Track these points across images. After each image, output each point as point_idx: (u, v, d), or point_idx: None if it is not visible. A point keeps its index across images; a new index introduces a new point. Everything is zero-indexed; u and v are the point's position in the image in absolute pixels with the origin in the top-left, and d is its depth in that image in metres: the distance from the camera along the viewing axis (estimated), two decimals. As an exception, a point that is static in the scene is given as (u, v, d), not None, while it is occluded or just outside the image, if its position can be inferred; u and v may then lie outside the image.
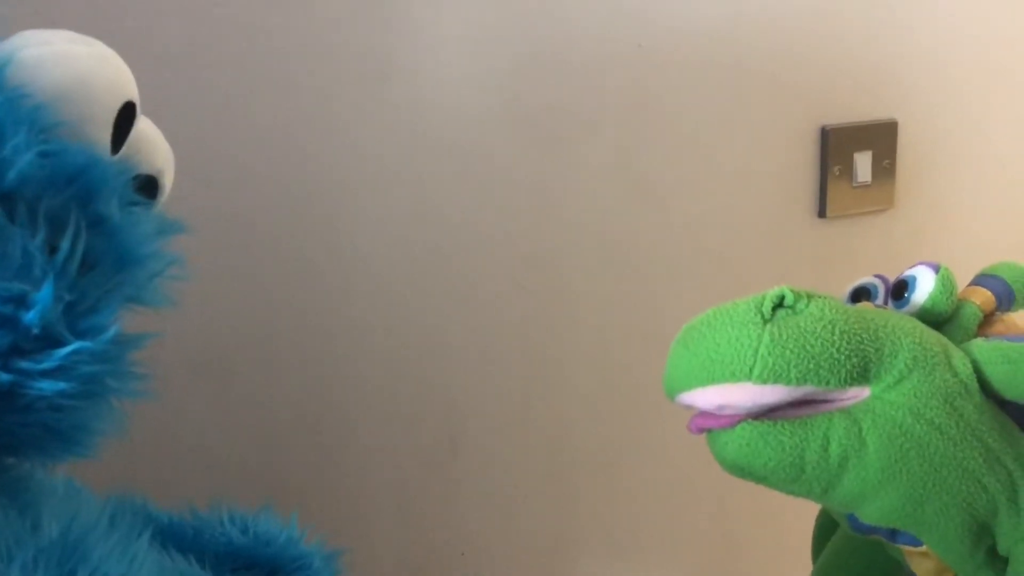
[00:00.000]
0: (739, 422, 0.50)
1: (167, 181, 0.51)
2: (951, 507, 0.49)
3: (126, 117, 0.46)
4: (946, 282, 0.55)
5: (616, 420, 1.00)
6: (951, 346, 0.52)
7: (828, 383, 0.48)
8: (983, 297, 0.57)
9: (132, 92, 0.47)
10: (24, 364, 0.40)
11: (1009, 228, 1.14)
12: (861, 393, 0.50)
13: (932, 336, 0.52)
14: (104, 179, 0.43)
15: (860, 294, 0.60)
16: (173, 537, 0.59)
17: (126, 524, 0.50)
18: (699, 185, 0.99)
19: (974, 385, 0.50)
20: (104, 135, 0.45)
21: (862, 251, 1.08)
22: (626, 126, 0.95)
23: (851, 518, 0.53)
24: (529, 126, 0.91)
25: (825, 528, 0.68)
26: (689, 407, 0.52)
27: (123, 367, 0.44)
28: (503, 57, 0.89)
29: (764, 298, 0.50)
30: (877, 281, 0.59)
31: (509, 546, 1.00)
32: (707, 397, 0.50)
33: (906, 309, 0.55)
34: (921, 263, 0.57)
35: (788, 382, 0.48)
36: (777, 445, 0.49)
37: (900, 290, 0.56)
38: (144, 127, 0.49)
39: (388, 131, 0.86)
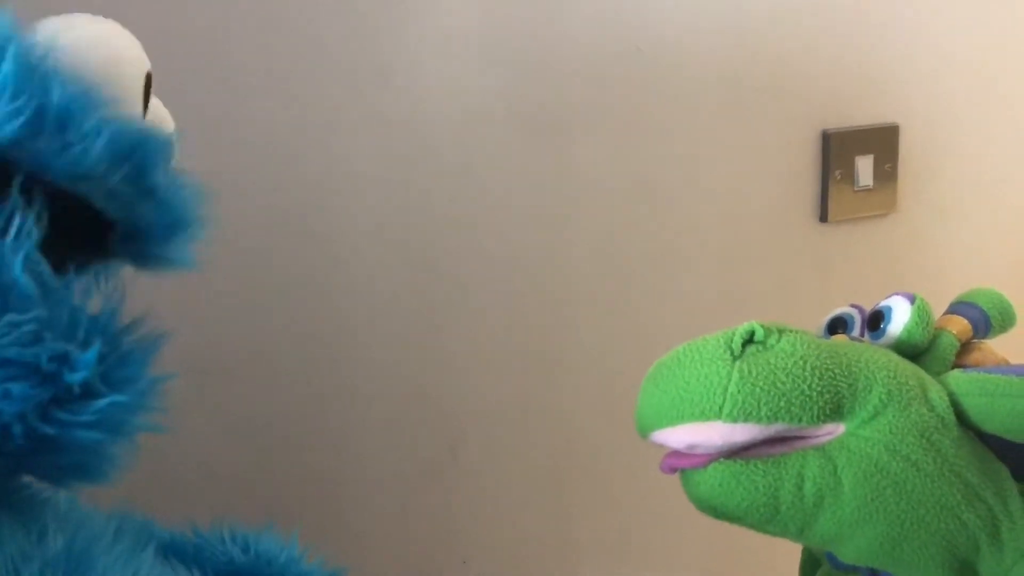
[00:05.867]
0: (711, 461, 0.49)
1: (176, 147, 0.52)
2: (930, 545, 0.48)
3: (147, 88, 0.48)
4: (922, 313, 0.54)
5: (617, 424, 0.99)
6: (927, 379, 0.51)
7: (801, 420, 0.48)
8: (959, 326, 0.56)
9: (148, 62, 0.48)
10: (63, 416, 0.40)
11: (1011, 232, 1.13)
12: (836, 430, 0.49)
13: (908, 369, 0.51)
14: (156, 150, 0.44)
15: (836, 324, 0.58)
16: (175, 553, 0.59)
17: (131, 536, 0.50)
18: (700, 190, 0.98)
19: (951, 419, 0.49)
20: (137, 109, 0.46)
21: (864, 255, 1.07)
22: (625, 131, 0.94)
23: (830, 556, 0.52)
24: (528, 131, 0.91)
25: (811, 561, 0.68)
26: (661, 446, 0.52)
27: (149, 406, 0.45)
28: (501, 61, 0.89)
29: (734, 334, 0.49)
30: (853, 311, 0.58)
31: (511, 553, 1.00)
32: (677, 436, 0.49)
33: (882, 341, 0.55)
34: (897, 293, 0.56)
35: (759, 420, 0.47)
36: (750, 485, 0.48)
37: (876, 321, 0.56)
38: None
39: (386, 135, 0.86)
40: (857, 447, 0.48)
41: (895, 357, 0.52)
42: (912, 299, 0.55)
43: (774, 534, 0.51)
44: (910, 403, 0.49)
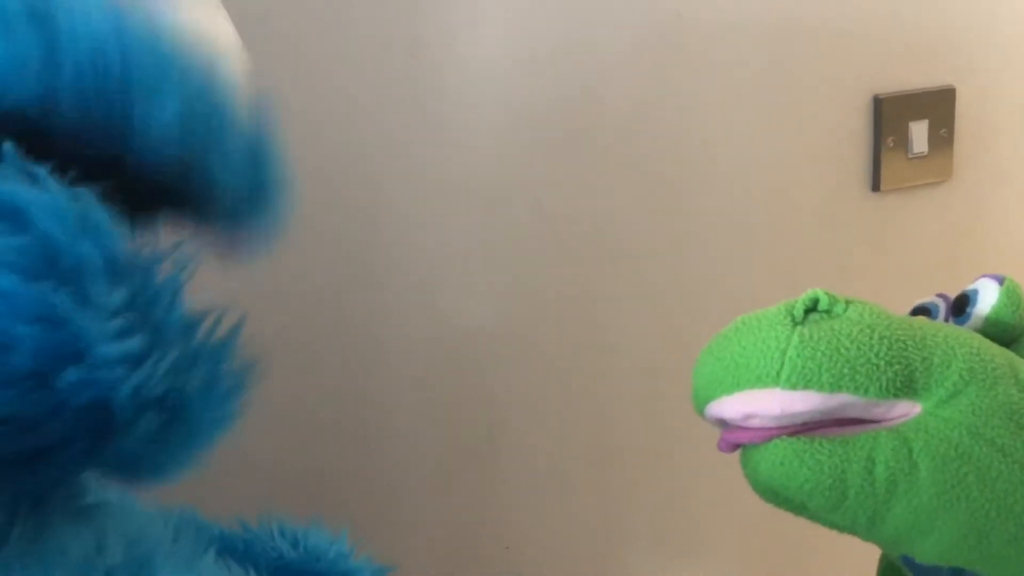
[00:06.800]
0: (771, 438, 0.45)
1: None
2: (1021, 539, 0.44)
3: None
4: (1011, 293, 0.50)
5: (660, 408, 0.97)
6: (1018, 359, 0.47)
7: (867, 391, 0.44)
8: None
9: None
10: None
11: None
12: (911, 410, 0.44)
13: (994, 348, 0.47)
14: None
15: (919, 314, 0.54)
16: (227, 550, 0.59)
17: (190, 540, 0.50)
18: (744, 161, 0.95)
19: None
20: None
21: (919, 226, 1.03)
22: (665, 100, 0.91)
23: (907, 560, 0.48)
24: (562, 101, 0.88)
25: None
26: (717, 421, 0.48)
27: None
28: (534, 31, 0.85)
29: (796, 302, 0.46)
30: (938, 300, 0.53)
31: (555, 539, 0.98)
32: (733, 406, 0.46)
33: (968, 324, 0.51)
34: (984, 276, 0.52)
35: (820, 388, 0.43)
36: (815, 464, 0.44)
37: (961, 305, 0.51)
38: None
39: (418, 114, 0.84)
40: (936, 428, 0.44)
41: (981, 337, 0.48)
42: (1001, 280, 0.51)
43: (842, 527, 0.47)
44: (997, 382, 0.45)
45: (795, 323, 0.45)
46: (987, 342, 0.47)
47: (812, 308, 0.46)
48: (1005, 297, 0.50)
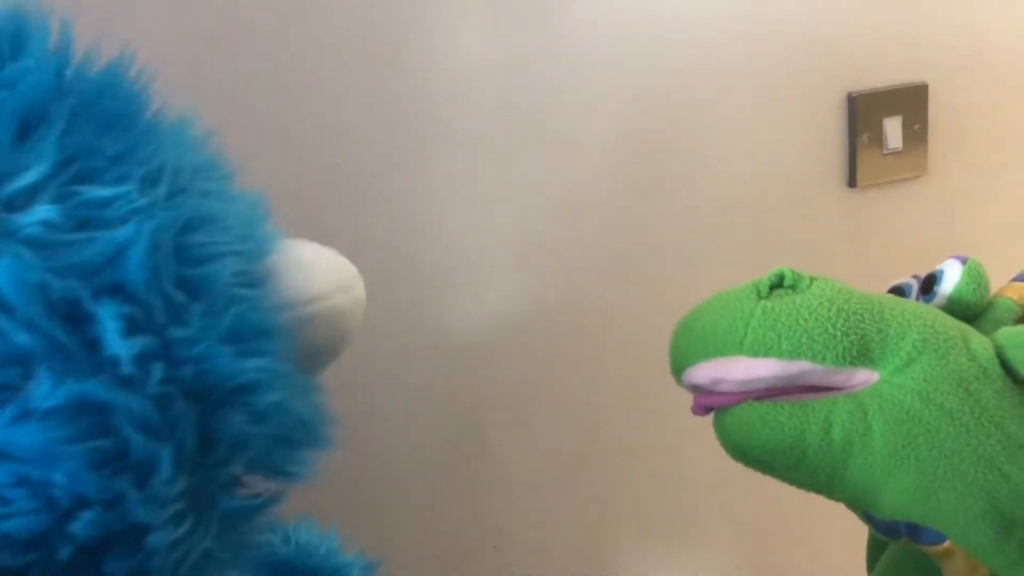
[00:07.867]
0: (739, 402, 0.49)
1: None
2: (967, 496, 0.47)
3: None
4: (972, 272, 0.54)
5: (650, 404, 0.98)
6: (972, 332, 0.50)
7: (824, 359, 0.47)
8: (1020, 292, 0.55)
9: None
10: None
11: (1047, 191, 1.10)
12: (870, 378, 0.48)
13: (949, 321, 0.50)
14: None
15: (893, 293, 0.58)
16: None
17: None
18: (722, 159, 0.96)
19: (995, 370, 0.48)
20: None
21: (896, 220, 1.05)
22: (642, 100, 0.92)
23: (869, 517, 0.52)
24: (538, 110, 0.88)
25: (876, 548, 0.66)
26: (691, 387, 0.53)
27: None
28: (506, 44, 0.86)
29: (763, 279, 0.51)
30: (912, 281, 0.57)
31: (544, 538, 0.98)
32: (704, 372, 0.50)
33: (934, 302, 0.54)
34: (951, 257, 0.56)
35: (780, 355, 0.48)
36: (776, 425, 0.48)
37: (929, 284, 0.55)
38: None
39: (397, 121, 0.84)
40: (890, 394, 0.47)
41: (937, 311, 0.52)
42: (964, 261, 0.55)
43: (805, 484, 0.51)
44: (948, 352, 0.48)
45: (760, 297, 0.50)
46: (943, 316, 0.51)
47: (778, 284, 0.51)
48: (967, 276, 0.54)
